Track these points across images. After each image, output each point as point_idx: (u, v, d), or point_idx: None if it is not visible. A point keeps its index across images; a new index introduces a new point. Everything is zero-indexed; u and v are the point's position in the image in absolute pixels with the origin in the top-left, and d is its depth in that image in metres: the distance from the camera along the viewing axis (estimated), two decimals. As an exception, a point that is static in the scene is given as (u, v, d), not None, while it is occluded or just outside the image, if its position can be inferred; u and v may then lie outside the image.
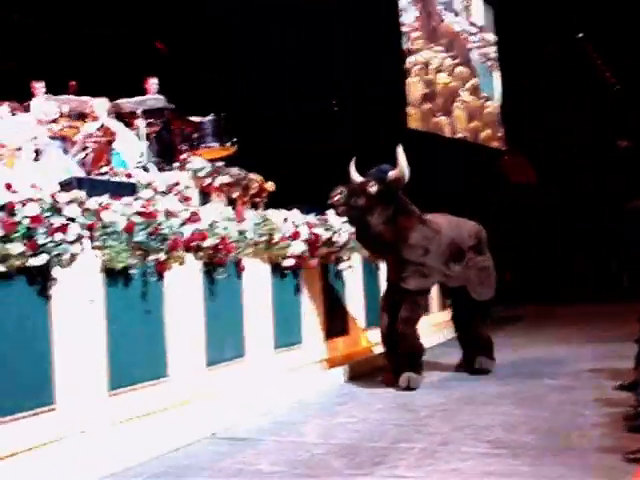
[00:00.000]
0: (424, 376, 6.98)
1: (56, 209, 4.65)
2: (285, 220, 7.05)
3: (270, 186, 9.82)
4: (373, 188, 6.62)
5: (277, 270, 7.02)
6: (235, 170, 9.14)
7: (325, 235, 7.56)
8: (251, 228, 6.54)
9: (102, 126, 8.86)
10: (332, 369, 7.49)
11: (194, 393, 5.66)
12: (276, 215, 7.05)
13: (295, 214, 7.33)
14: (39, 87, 9.36)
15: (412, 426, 5.36)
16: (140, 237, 5.23)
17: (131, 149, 8.77)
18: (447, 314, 8.14)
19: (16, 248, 4.29)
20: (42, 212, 4.53)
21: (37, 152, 7.71)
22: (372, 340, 8.43)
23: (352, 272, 8.38)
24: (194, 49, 13.30)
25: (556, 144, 19.32)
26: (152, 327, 5.42)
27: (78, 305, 4.78)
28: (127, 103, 9.43)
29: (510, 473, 4.09)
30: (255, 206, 9.36)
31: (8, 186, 4.54)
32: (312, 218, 7.56)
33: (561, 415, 5.48)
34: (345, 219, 7.22)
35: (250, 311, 6.54)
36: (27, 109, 8.74)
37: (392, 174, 6.66)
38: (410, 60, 17.20)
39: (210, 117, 9.68)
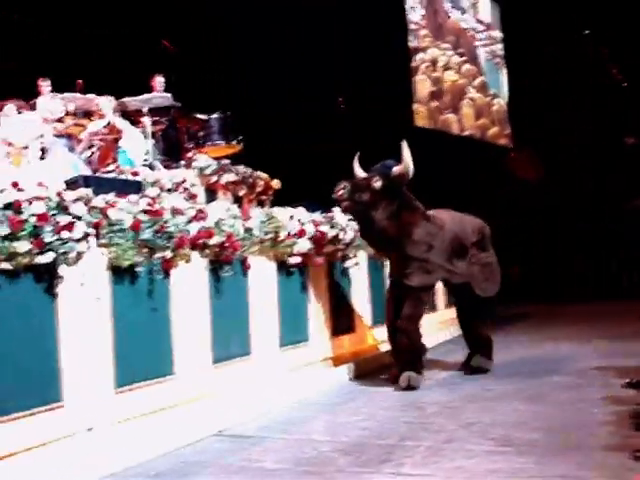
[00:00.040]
0: (425, 376, 6.91)
1: (62, 207, 4.66)
2: (291, 218, 7.05)
3: (276, 184, 9.82)
4: (377, 183, 6.58)
5: (283, 268, 7.02)
6: (241, 168, 9.15)
7: (331, 233, 7.55)
8: (257, 226, 6.54)
9: (108, 124, 8.87)
10: (338, 367, 7.49)
11: (200, 391, 5.67)
12: (282, 213, 7.05)
13: (301, 212, 7.33)
14: (45, 85, 9.38)
15: (418, 424, 5.35)
16: (146, 235, 5.23)
17: (137, 147, 8.79)
18: (453, 311, 8.10)
19: (23, 246, 4.30)
20: (48, 210, 4.54)
21: (43, 150, 7.72)
22: (378, 338, 8.43)
23: (358, 269, 8.38)
24: (194, 49, 13.31)
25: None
26: (158, 325, 5.42)
27: (84, 303, 4.79)
28: (133, 101, 9.44)
29: (516, 471, 4.08)
30: (261, 204, 9.37)
31: (15, 184, 4.56)
32: (318, 216, 7.56)
33: (568, 413, 5.46)
34: (349, 215, 7.20)
35: (256, 309, 6.55)
36: (33, 107, 8.75)
37: (396, 169, 6.62)
38: (418, 58, 17.20)
39: (216, 115, 9.69)
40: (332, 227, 7.59)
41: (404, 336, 6.81)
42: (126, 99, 9.41)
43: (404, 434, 5.05)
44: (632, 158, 17.25)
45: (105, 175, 7.62)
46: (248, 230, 6.39)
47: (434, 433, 5.03)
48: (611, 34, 17.85)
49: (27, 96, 8.98)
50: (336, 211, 7.62)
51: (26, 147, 7.57)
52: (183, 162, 8.82)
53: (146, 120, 9.08)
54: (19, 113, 8.45)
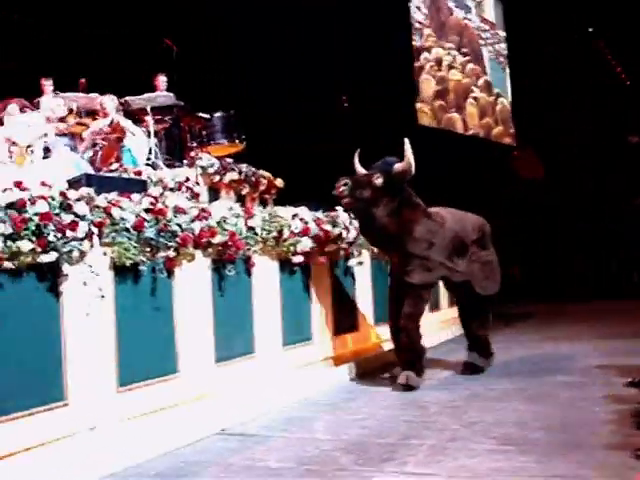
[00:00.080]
0: (425, 376, 6.87)
1: (66, 206, 4.67)
2: (294, 217, 7.05)
3: (279, 183, 9.84)
4: (379, 180, 6.54)
5: (286, 267, 7.02)
6: (244, 167, 9.16)
7: (334, 231, 7.55)
8: (260, 225, 6.55)
9: (112, 123, 8.88)
10: (341, 366, 7.49)
11: (203, 390, 5.68)
12: (285, 212, 7.05)
13: (304, 210, 7.33)
14: (48, 84, 9.40)
15: (421, 422, 5.36)
16: (149, 234, 5.25)
17: (141, 146, 8.79)
18: (455, 310, 8.10)
19: (26, 245, 4.32)
20: (52, 209, 4.55)
21: (47, 150, 7.73)
22: (381, 336, 8.44)
23: (361, 268, 8.38)
24: (194, 48, 13.31)
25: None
26: (161, 324, 5.43)
27: (88, 302, 4.80)
28: (137, 100, 9.45)
29: (518, 470, 4.09)
30: (264, 203, 9.39)
31: (18, 184, 4.57)
32: (321, 214, 7.55)
33: (570, 412, 5.47)
34: (349, 211, 7.18)
35: (259, 308, 6.55)
36: (37, 106, 8.77)
37: (398, 166, 6.58)
38: (422, 57, 17.21)
39: (219, 114, 9.70)
40: (335, 226, 7.59)
41: (404, 335, 6.80)
42: (129, 98, 9.42)
43: (406, 433, 5.06)
44: (634, 157, 17.28)
45: (108, 174, 7.63)
46: (251, 229, 6.40)
47: (436, 432, 5.04)
48: (614, 33, 17.85)
49: (27, 96, 8.99)
50: (339, 210, 7.61)
51: (29, 146, 7.58)
52: (186, 161, 8.84)
53: (149, 119, 9.08)
54: (22, 112, 8.46)
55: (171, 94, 9.69)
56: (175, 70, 10.01)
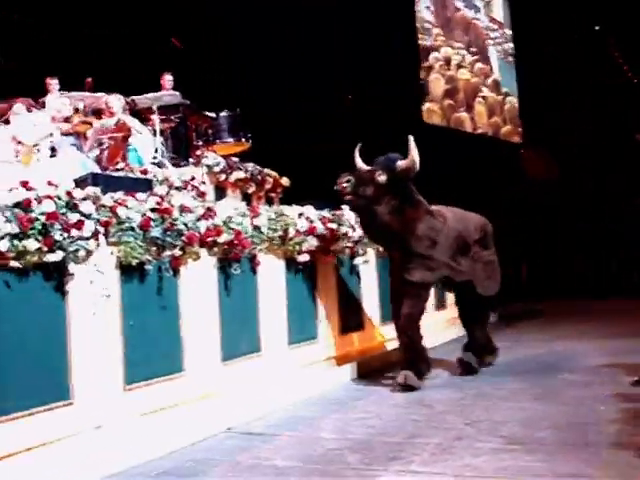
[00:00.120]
0: (426, 377, 6.82)
1: (72, 206, 4.68)
2: (300, 215, 7.05)
3: (285, 181, 9.84)
4: (382, 177, 6.47)
5: (292, 265, 7.02)
6: (250, 165, 9.17)
7: (340, 230, 7.55)
8: (266, 224, 6.55)
9: (118, 122, 8.89)
10: (347, 364, 7.48)
11: (209, 388, 5.68)
12: (291, 210, 7.05)
13: (309, 209, 7.32)
14: (53, 84, 9.42)
15: (427, 421, 5.36)
16: (155, 233, 5.25)
17: (147, 145, 8.81)
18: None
19: (32, 244, 4.33)
20: (58, 209, 4.56)
21: (53, 149, 7.75)
22: (387, 335, 8.43)
23: (367, 267, 8.37)
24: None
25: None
26: (167, 322, 5.44)
27: (94, 301, 4.81)
28: (143, 99, 9.46)
29: (524, 469, 4.08)
30: (270, 201, 9.39)
31: (24, 183, 4.58)
32: (327, 213, 7.55)
33: (577, 410, 5.46)
34: (351, 208, 7.15)
35: (265, 306, 6.56)
36: (43, 106, 8.79)
37: (402, 164, 6.49)
38: (432, 57, 17.22)
39: (225, 113, 9.70)
40: (341, 224, 7.59)
41: (404, 335, 6.78)
42: (135, 97, 9.43)
43: (412, 432, 5.06)
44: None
45: (114, 173, 7.64)
46: (257, 228, 6.40)
47: (442, 431, 5.04)
48: (621, 31, 17.81)
49: (33, 95, 9.01)
50: (345, 208, 7.61)
51: (35, 145, 7.60)
52: (192, 160, 8.85)
53: (155, 118, 9.09)
54: (29, 112, 8.48)
55: (177, 93, 9.70)
56: (181, 69, 10.02)
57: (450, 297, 10.78)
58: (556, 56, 19.01)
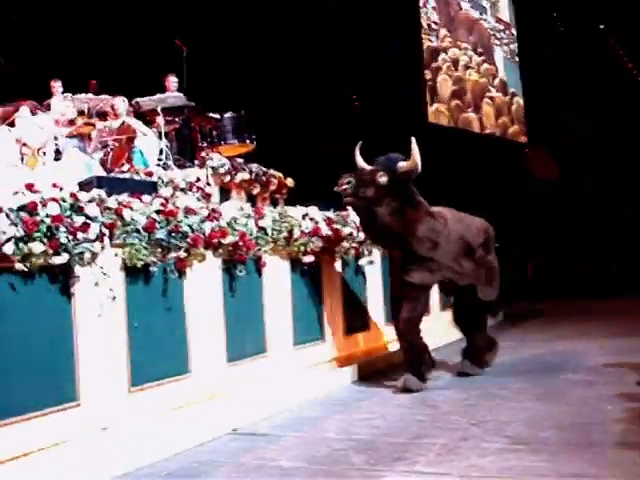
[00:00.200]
0: (428, 379, 6.78)
1: (77, 208, 4.70)
2: (304, 216, 7.06)
3: (290, 182, 9.85)
4: (383, 179, 6.41)
5: (297, 266, 7.03)
6: (255, 167, 9.18)
7: (345, 231, 7.55)
8: (271, 225, 6.56)
9: (123, 124, 8.92)
10: (352, 365, 7.48)
11: (214, 389, 5.70)
12: (295, 211, 7.06)
13: (314, 210, 7.33)
14: (57, 86, 9.45)
15: (432, 422, 5.37)
16: (160, 235, 5.27)
17: (151, 147, 8.83)
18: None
19: (38, 247, 4.34)
20: (63, 211, 4.58)
21: (58, 152, 7.77)
22: (391, 336, 8.42)
23: (372, 267, 8.37)
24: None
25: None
26: (172, 324, 5.46)
27: (100, 303, 4.82)
28: (147, 101, 9.47)
29: (529, 469, 4.09)
30: (275, 202, 9.40)
31: (29, 186, 4.60)
32: (331, 214, 7.56)
33: (582, 410, 5.47)
34: (352, 209, 7.13)
35: (270, 308, 6.57)
36: (48, 108, 8.81)
37: (404, 165, 6.44)
38: (441, 58, 17.23)
39: (229, 114, 9.72)
40: (345, 225, 7.59)
41: (403, 340, 6.78)
42: (140, 99, 9.44)
43: (417, 432, 5.07)
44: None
45: (119, 175, 7.66)
46: (262, 229, 6.41)
47: (447, 431, 5.04)
48: (625, 30, 17.80)
49: (37, 98, 9.03)
50: (350, 209, 7.59)
51: (41, 149, 7.63)
52: (197, 161, 8.86)
53: (160, 120, 9.10)
54: (33, 115, 8.51)
55: (181, 95, 9.71)
56: (185, 70, 10.03)
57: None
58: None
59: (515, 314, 12.27)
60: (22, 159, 7.55)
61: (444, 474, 4.11)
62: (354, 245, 7.78)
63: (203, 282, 5.77)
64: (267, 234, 6.47)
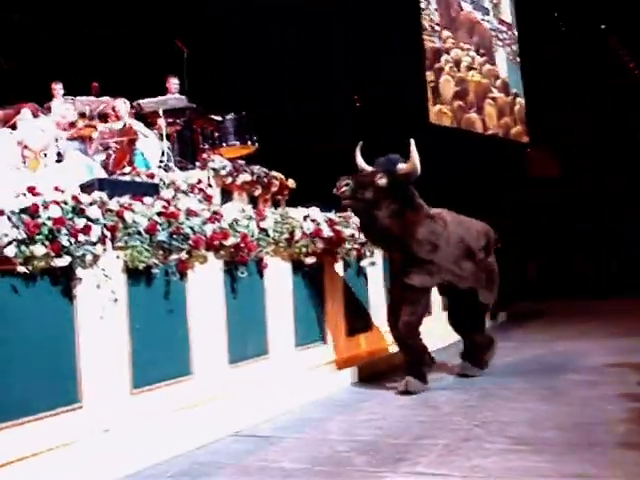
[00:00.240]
0: (428, 380, 6.75)
1: (79, 211, 4.71)
2: (306, 218, 7.06)
3: (291, 183, 9.85)
4: (382, 181, 6.37)
5: (298, 268, 7.03)
6: (256, 168, 9.18)
7: (346, 232, 7.55)
8: (272, 226, 6.56)
9: (124, 126, 8.93)
10: (354, 366, 7.48)
11: (217, 391, 5.70)
12: (297, 213, 7.06)
13: (315, 211, 7.33)
14: (58, 88, 9.46)
15: (434, 422, 5.37)
16: (162, 237, 5.27)
17: (153, 149, 8.84)
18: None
19: (39, 250, 4.35)
20: (65, 214, 4.59)
21: (59, 154, 7.77)
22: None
23: (374, 269, 8.37)
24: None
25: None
26: (174, 326, 5.46)
27: (102, 305, 4.83)
28: (148, 103, 9.48)
29: (532, 469, 4.09)
30: (276, 204, 9.40)
31: (31, 189, 4.61)
32: (333, 215, 7.56)
33: (585, 410, 5.46)
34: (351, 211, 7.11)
35: (272, 309, 6.57)
36: (49, 110, 8.82)
37: (403, 167, 6.40)
38: (444, 59, 17.23)
39: (231, 116, 9.72)
40: (347, 226, 7.59)
41: (402, 343, 6.77)
42: (141, 101, 9.45)
43: (419, 433, 5.07)
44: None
45: (121, 178, 7.66)
46: (263, 230, 6.41)
47: (450, 432, 5.04)
48: (623, 30, 17.81)
49: (37, 100, 9.03)
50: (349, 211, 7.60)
51: (42, 151, 7.63)
52: (198, 163, 8.87)
53: (161, 122, 9.11)
54: (35, 117, 8.51)
55: (183, 96, 9.71)
56: (185, 71, 10.03)
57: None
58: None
59: (516, 314, 12.26)
60: (24, 162, 7.54)
61: (446, 475, 4.11)
62: (356, 246, 7.78)
63: (205, 284, 5.77)
64: (269, 236, 6.48)
